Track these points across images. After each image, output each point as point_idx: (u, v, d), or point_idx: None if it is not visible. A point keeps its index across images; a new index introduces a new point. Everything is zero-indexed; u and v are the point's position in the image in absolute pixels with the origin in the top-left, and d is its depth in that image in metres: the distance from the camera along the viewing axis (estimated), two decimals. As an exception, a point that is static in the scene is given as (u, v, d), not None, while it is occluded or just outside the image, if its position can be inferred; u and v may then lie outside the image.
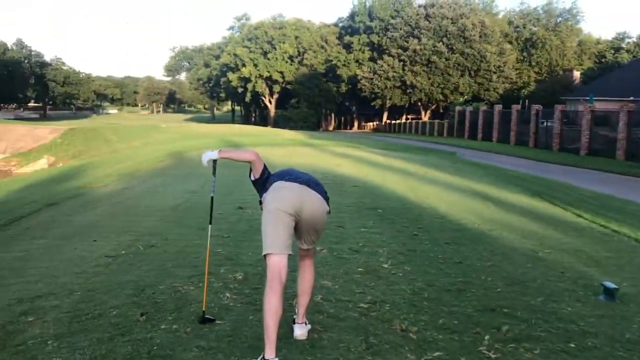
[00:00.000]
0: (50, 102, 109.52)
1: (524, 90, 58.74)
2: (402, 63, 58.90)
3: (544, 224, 7.85)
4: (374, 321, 3.93)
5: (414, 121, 57.48)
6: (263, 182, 3.63)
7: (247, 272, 4.98)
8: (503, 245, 6.34)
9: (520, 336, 3.71)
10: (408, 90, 59.38)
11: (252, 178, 3.72)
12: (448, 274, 5.12)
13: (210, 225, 4.23)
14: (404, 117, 65.94)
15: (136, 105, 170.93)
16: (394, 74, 58.93)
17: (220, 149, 3.82)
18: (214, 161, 3.79)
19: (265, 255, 3.36)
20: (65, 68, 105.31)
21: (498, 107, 36.74)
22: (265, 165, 3.70)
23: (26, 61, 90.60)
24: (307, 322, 3.75)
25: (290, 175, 3.54)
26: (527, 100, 43.27)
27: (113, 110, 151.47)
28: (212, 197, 4.16)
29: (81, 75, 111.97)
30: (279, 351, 3.37)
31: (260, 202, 3.60)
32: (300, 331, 3.64)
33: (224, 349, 3.44)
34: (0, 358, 3.36)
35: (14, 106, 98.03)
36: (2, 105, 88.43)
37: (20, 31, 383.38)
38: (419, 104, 62.50)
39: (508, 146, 31.74)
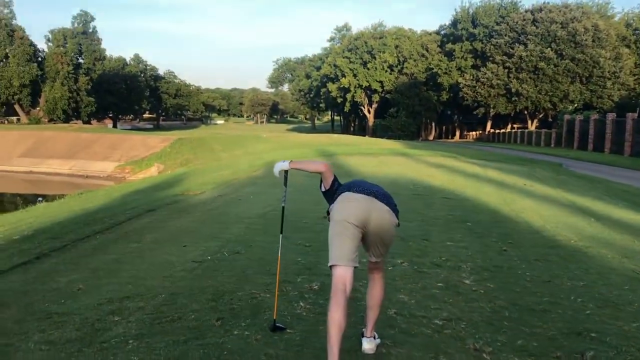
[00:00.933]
0: (163, 114, 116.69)
1: (642, 97, 54.52)
2: (507, 70, 56.79)
3: (652, 242, 7.20)
4: (447, 339, 3.80)
5: (519, 130, 55.10)
6: (332, 193, 3.63)
7: (323, 283, 4.99)
8: (600, 265, 5.89)
9: (607, 364, 3.43)
10: (513, 99, 57.08)
11: (323, 189, 3.73)
12: (534, 292, 4.84)
13: (281, 235, 4.31)
14: (509, 126, 63.51)
15: (242, 116, 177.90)
16: (498, 81, 56.92)
17: (292, 160, 3.87)
18: (285, 172, 3.85)
19: (331, 267, 3.34)
20: (176, 81, 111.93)
21: (611, 116, 34.34)
22: (335, 177, 3.70)
23: (142, 75, 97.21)
24: (377, 336, 3.69)
25: (359, 186, 3.51)
26: (645, 108, 40.11)
27: (220, 121, 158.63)
28: (282, 207, 4.23)
29: (191, 88, 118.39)
30: (345, 364, 3.36)
31: (328, 213, 3.60)
32: (369, 345, 3.60)
33: (291, 358, 3.48)
34: (87, 353, 3.60)
35: (130, 117, 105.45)
36: (120, 116, 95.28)
37: (137, 46, 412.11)
38: (525, 112, 59.88)
39: (622, 158, 29.55)
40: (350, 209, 3.34)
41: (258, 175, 15.67)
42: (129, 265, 5.83)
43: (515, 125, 63.44)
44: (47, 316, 4.34)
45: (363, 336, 3.66)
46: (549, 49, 53.26)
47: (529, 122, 60.09)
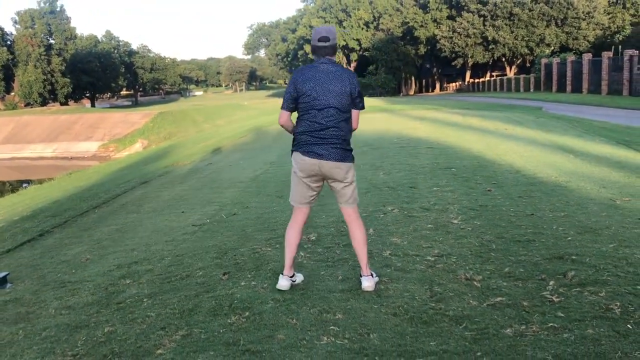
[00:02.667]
0: (141, 89, 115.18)
1: (617, 35, 54.68)
2: (482, 18, 56.65)
3: (627, 172, 7.53)
4: (440, 272, 4.08)
5: (498, 78, 55.40)
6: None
7: (320, 233, 5.26)
8: (579, 196, 6.21)
9: (586, 281, 3.74)
10: (490, 47, 57.14)
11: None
12: (518, 226, 5.14)
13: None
14: (488, 74, 63.70)
15: (220, 85, 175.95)
16: (475, 30, 56.84)
17: None
18: None
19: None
20: (151, 55, 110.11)
21: (587, 56, 34.66)
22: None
23: (116, 51, 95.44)
24: (374, 275, 3.96)
25: (306, 147, 3.79)
26: (620, 47, 40.37)
27: (199, 92, 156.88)
28: None
29: (167, 61, 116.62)
30: (347, 301, 3.64)
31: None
32: (367, 283, 3.86)
33: (297, 300, 3.74)
34: (105, 314, 3.84)
35: (108, 95, 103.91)
36: (98, 95, 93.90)
37: (108, 22, 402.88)
38: (503, 59, 60.03)
39: (599, 97, 29.97)
40: (300, 166, 3.82)
41: (244, 142, 15.83)
42: (131, 233, 6.05)
43: (494, 74, 63.63)
44: (61, 285, 4.57)
45: (361, 276, 3.93)
46: (523, -7, 53.12)
47: (508, 69, 60.34)
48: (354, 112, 3.88)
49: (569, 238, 4.69)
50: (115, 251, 5.45)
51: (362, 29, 71.68)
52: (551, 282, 3.74)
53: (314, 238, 5.13)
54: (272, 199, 7.09)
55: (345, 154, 3.80)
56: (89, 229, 6.51)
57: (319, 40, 3.79)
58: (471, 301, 3.54)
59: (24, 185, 21.30)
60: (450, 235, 4.95)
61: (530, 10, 53.30)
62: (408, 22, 67.99)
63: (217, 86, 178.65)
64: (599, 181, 7.00)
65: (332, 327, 3.28)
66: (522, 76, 48.53)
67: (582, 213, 5.46)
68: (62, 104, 71.99)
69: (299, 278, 4.05)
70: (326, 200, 6.66)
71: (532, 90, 43.07)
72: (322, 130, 3.74)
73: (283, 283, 3.92)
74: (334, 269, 4.30)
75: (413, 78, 76.93)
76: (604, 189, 6.51)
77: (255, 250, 4.92)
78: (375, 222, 5.56)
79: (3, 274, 4.78)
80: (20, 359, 3.31)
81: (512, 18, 54.57)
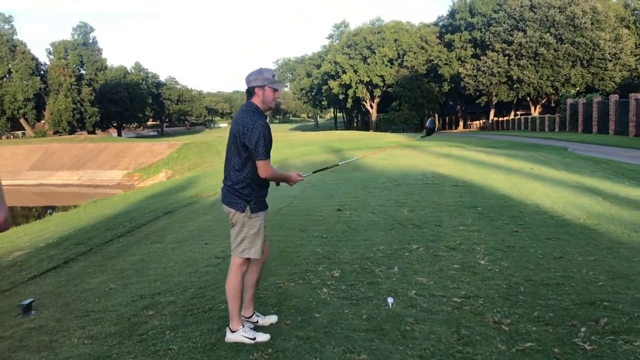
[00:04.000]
0: (167, 120, 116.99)
1: (644, 77, 54.35)
2: (507, 58, 56.73)
3: (660, 217, 7.37)
4: (467, 314, 3.99)
5: (522, 117, 55.07)
6: None
7: (343, 270, 5.20)
8: (609, 240, 6.07)
9: (620, 329, 3.62)
10: (515, 85, 57.04)
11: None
12: (547, 269, 5.03)
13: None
14: (512, 113, 63.46)
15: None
16: (499, 69, 56.89)
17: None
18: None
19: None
20: (178, 87, 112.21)
21: (614, 97, 34.29)
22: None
23: (144, 83, 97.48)
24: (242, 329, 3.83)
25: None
26: (647, 88, 40.01)
27: (223, 124, 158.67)
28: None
29: (193, 93, 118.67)
30: (372, 341, 3.57)
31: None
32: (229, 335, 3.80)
33: (321, 338, 3.68)
34: (128, 345, 3.82)
35: (134, 125, 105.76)
36: (124, 125, 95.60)
37: (138, 54, 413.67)
38: (528, 98, 59.80)
39: (627, 138, 29.54)
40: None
41: (268, 175, 15.84)
42: (155, 264, 6.06)
43: (518, 112, 63.39)
44: (85, 314, 4.57)
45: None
46: (548, 34, 53.19)
47: (532, 108, 60.04)
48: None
49: (600, 283, 4.56)
50: (139, 281, 5.45)
51: (387, 65, 72.29)
52: (583, 329, 3.63)
53: (337, 275, 5.07)
54: (295, 232, 7.06)
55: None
56: (112, 257, 6.54)
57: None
58: (500, 346, 3.45)
59: (49, 211, 21.60)
60: (477, 277, 4.86)
61: (555, 50, 53.27)
62: (432, 60, 68.43)
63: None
64: (630, 225, 6.84)
65: (356, 368, 3.22)
66: (547, 116, 48.22)
67: (613, 257, 5.33)
68: (89, 132, 73.48)
69: (261, 319, 4.00)
70: (350, 236, 6.64)
71: (557, 130, 42.71)
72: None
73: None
74: (358, 307, 4.23)
75: (436, 115, 76.93)
76: (635, 233, 6.36)
77: (278, 285, 4.88)
78: (400, 260, 5.49)
79: (28, 300, 4.81)
80: (41, 389, 3.29)
81: (537, 58, 54.57)
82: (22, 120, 69.71)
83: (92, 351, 3.75)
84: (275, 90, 3.76)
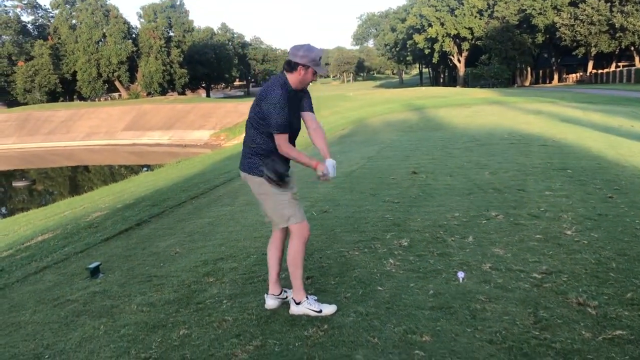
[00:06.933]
0: (252, 80, 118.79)
1: None
2: (609, 4, 52.29)
3: None
4: (547, 293, 3.58)
5: (625, 69, 50.92)
6: None
7: (412, 239, 4.87)
8: None
9: None
10: (617, 34, 52.62)
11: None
12: (645, 241, 4.45)
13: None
14: (614, 65, 58.84)
15: (328, 76, 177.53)
16: (600, 17, 52.58)
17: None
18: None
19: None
20: (263, 46, 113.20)
21: None
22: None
23: (230, 43, 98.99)
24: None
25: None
26: None
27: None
28: None
29: (278, 52, 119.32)
30: (437, 321, 3.26)
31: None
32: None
33: (381, 315, 3.42)
34: (184, 314, 3.74)
35: (222, 86, 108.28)
36: (212, 85, 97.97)
37: (224, 16, 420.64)
38: (632, 48, 55.09)
39: None
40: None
41: (346, 134, 15.61)
42: (222, 227, 6.00)
43: (620, 64, 58.66)
44: (148, 279, 4.56)
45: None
46: (658, -25, 48.38)
47: (637, 58, 55.30)
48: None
49: None
50: (205, 245, 5.41)
51: (475, 17, 68.86)
52: (686, 316, 3.13)
53: (406, 244, 4.75)
54: (366, 196, 6.77)
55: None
56: (183, 220, 6.57)
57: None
58: (583, 332, 3.03)
59: (144, 169, 22.70)
60: (562, 249, 4.37)
61: (666, -7, 48.47)
62: (525, 10, 64.27)
63: (325, 77, 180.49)
64: None
65: (417, 352, 2.94)
66: (653, 66, 44.31)
67: None
68: (179, 93, 75.92)
69: (290, 294, 3.74)
70: (423, 201, 6.26)
71: (664, 82, 39.19)
72: None
73: (270, 302, 3.70)
74: (425, 281, 3.91)
75: (529, 68, 72.85)
76: None
77: (342, 254, 4.64)
78: (476, 228, 5.07)
79: (96, 264, 4.87)
80: (96, 357, 3.27)
81: (644, 2, 49.93)
82: (117, 83, 73.06)
83: (148, 319, 3.71)
84: (315, 73, 3.42)
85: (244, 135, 3.74)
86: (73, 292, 4.53)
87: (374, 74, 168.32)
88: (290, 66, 3.41)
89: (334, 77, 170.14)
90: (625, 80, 47.59)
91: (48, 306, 4.29)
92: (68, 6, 70.87)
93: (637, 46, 53.96)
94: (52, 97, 68.46)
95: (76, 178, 31.50)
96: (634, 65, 53.36)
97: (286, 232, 3.75)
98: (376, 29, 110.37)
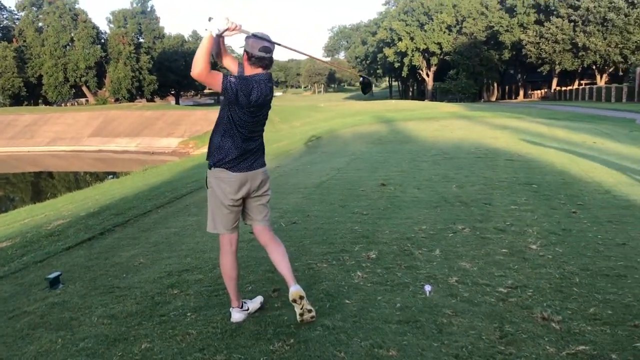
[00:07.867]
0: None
1: None
2: (572, 24, 53.84)
3: None
4: (513, 308, 3.59)
5: (587, 87, 52.36)
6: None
7: (381, 251, 4.86)
8: (681, 225, 5.46)
9: (693, 333, 3.15)
10: (580, 53, 54.19)
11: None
12: (607, 257, 4.52)
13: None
14: (576, 82, 60.49)
15: (299, 87, 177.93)
16: (564, 36, 54.11)
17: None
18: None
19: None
20: (234, 55, 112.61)
21: (690, 65, 32.03)
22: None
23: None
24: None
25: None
26: None
27: (278, 93, 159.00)
28: None
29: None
30: (404, 335, 3.24)
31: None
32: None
33: (348, 329, 3.38)
34: (146, 327, 3.64)
35: (192, 93, 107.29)
36: (182, 93, 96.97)
37: (196, 25, 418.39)
38: (594, 67, 56.78)
39: (703, 109, 27.58)
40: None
41: (317, 144, 15.60)
42: (189, 237, 5.90)
43: (583, 82, 60.37)
44: (110, 290, 4.44)
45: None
46: (619, -3, 49.99)
47: (598, 77, 57.02)
48: None
49: (669, 276, 4.05)
50: (170, 256, 5.30)
51: (444, 32, 70.10)
52: (647, 331, 3.18)
53: (374, 256, 4.73)
54: (335, 208, 6.75)
55: None
56: (148, 230, 6.43)
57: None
58: (547, 347, 3.05)
59: (110, 176, 22.27)
60: (527, 264, 4.42)
61: (626, 15, 50.07)
62: (493, 27, 65.73)
63: (296, 87, 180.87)
64: None
65: (383, 367, 2.91)
66: (613, 85, 45.64)
67: (685, 246, 4.76)
68: (148, 100, 74.95)
69: (252, 304, 3.75)
70: (392, 213, 6.27)
71: (624, 100, 40.42)
72: None
73: (236, 316, 3.64)
74: (393, 294, 3.90)
75: (496, 84, 74.39)
76: None
77: (310, 266, 4.60)
78: (443, 242, 5.09)
79: (55, 274, 4.72)
80: (53, 372, 3.15)
81: (605, 24, 51.49)
82: (84, 88, 71.77)
83: (109, 332, 3.59)
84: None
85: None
86: (30, 303, 4.37)
87: (344, 85, 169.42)
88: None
89: (305, 87, 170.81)
90: (587, 97, 48.94)
91: (3, 318, 4.13)
92: (35, 9, 69.45)
93: (598, 65, 55.62)
94: (16, 100, 66.84)
95: (39, 184, 30.74)
96: (596, 83, 54.93)
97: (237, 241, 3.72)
98: (347, 42, 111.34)
